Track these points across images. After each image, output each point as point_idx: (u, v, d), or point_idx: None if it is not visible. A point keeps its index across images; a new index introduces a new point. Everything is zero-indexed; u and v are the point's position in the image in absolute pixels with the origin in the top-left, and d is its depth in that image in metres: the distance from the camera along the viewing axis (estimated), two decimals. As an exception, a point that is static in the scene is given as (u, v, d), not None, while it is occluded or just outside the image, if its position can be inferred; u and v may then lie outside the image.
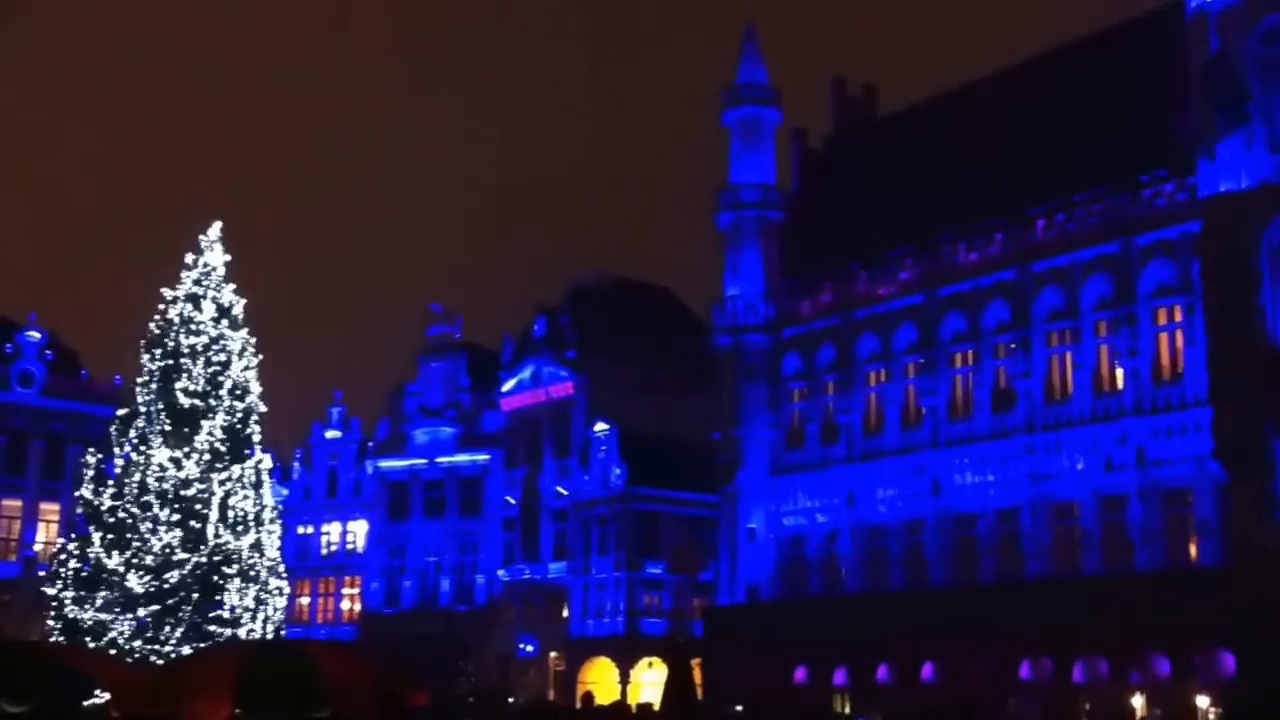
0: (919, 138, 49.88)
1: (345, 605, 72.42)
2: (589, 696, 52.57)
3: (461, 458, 69.55)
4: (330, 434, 74.63)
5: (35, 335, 66.16)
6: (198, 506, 35.33)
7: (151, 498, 35.17)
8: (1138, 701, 37.49)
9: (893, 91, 56.16)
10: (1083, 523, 40.32)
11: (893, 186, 48.88)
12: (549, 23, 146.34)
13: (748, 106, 52.81)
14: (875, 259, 47.37)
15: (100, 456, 36.27)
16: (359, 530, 73.00)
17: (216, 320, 37.02)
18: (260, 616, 35.80)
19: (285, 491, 66.51)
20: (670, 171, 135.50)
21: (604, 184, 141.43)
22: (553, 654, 62.06)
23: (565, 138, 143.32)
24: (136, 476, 35.40)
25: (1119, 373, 39.98)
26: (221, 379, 36.53)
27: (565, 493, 62.88)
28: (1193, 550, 37.96)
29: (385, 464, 71.45)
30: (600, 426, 61.20)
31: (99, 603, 34.37)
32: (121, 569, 34.51)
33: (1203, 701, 36.31)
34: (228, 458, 36.10)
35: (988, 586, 42.14)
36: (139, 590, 34.28)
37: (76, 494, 36.74)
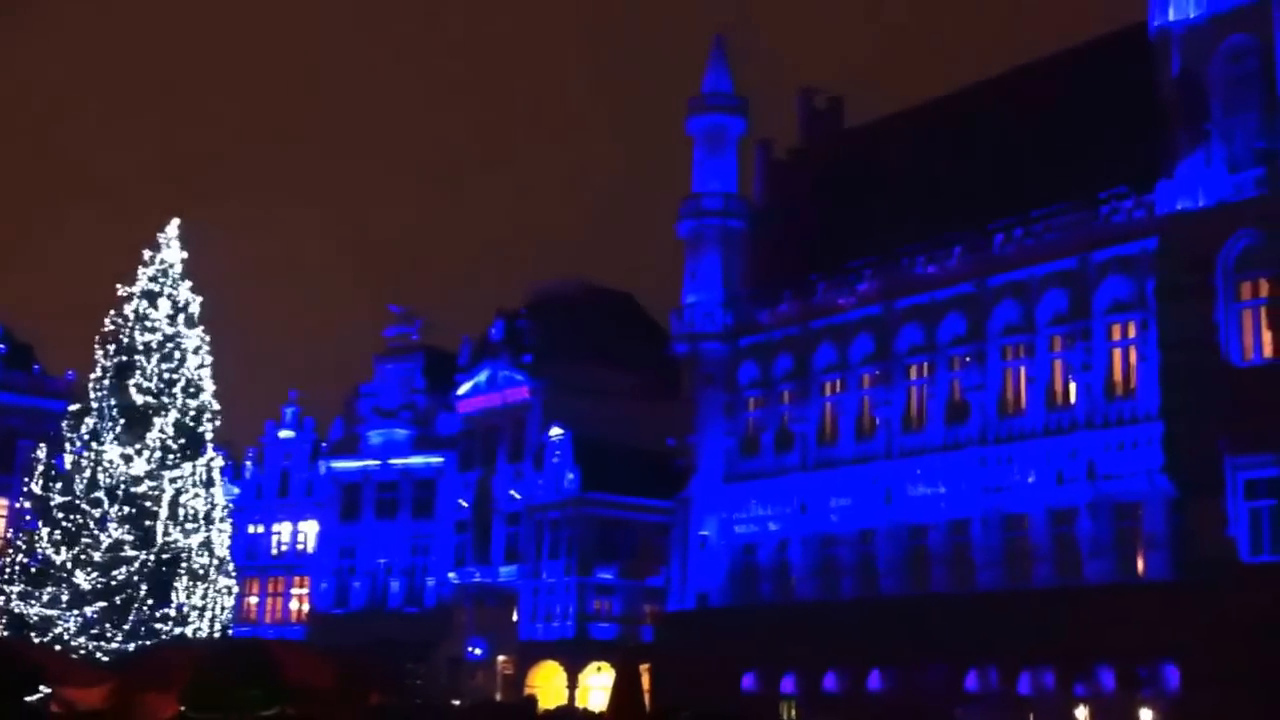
0: (883, 151, 50.14)
1: (294, 605, 72.05)
2: (532, 700, 52.67)
3: (415, 459, 69.33)
4: (284, 433, 74.23)
5: (-12, 329, 65.42)
6: (148, 504, 35.06)
7: (102, 494, 34.85)
8: (1082, 713, 37.77)
9: (860, 105, 56.23)
10: (1033, 535, 40.59)
11: (855, 199, 49.11)
12: (520, 27, 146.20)
13: (712, 115, 52.92)
14: (835, 270, 47.56)
15: (51, 452, 35.90)
16: (310, 530, 72.66)
17: (172, 318, 36.77)
18: (208, 615, 35.53)
19: (237, 490, 66.05)
20: (637, 179, 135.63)
21: (570, 190, 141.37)
22: (502, 657, 61.95)
23: (532, 143, 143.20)
24: (87, 472, 35.06)
25: (1072, 387, 40.30)
26: (175, 376, 36.27)
27: (519, 496, 62.80)
28: (1141, 564, 38.28)
29: (338, 464, 71.12)
30: (555, 431, 61.13)
31: (45, 598, 33.98)
32: (69, 565, 34.15)
33: (1147, 715, 36.62)
34: (179, 455, 35.83)
35: (938, 596, 42.36)
36: (86, 587, 33.93)
37: (26, 489, 36.32)
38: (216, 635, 35.46)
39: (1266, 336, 35.10)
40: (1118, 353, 39.51)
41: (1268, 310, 35.08)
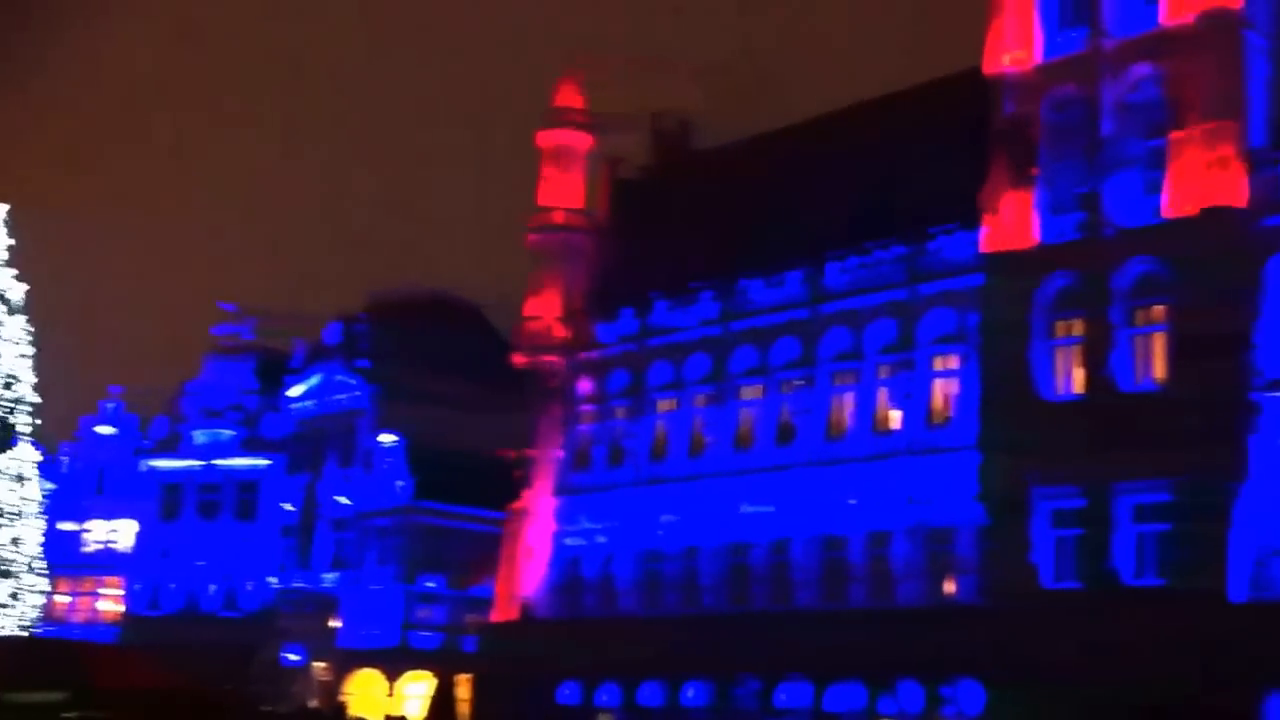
0: (728, 176, 51.21)
1: (105, 606, 70.06)
2: (341, 706, 52.03)
3: (240, 461, 68.12)
4: (103, 429, 72.33)
5: None
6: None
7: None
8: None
9: (709, 130, 57.11)
10: (851, 556, 41.77)
11: (698, 221, 50.00)
12: (375, 32, 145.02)
13: (562, 130, 53.38)
14: (675, 290, 48.36)
15: None
16: (127, 530, 70.79)
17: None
18: (15, 613, 34.48)
19: (51, 485, 64.07)
20: (488, 191, 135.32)
21: (421, 199, 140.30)
22: (320, 664, 61.11)
23: (385, 150, 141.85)
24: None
25: (896, 415, 41.64)
26: (-10, 367, 35.18)
27: (347, 502, 62.18)
28: (952, 587, 39.66)
29: (159, 463, 69.52)
30: (388, 437, 60.74)
31: None
32: None
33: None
34: (-10, 449, 34.70)
35: (757, 613, 43.26)
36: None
37: None
38: (21, 634, 34.46)
39: (1077, 374, 36.73)
40: (940, 383, 40.97)
41: (1080, 349, 36.74)
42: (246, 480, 68.10)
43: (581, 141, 53.77)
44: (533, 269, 53.19)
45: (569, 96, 54.00)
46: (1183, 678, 31.16)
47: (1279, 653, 30.78)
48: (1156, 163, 35.89)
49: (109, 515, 71.26)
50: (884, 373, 42.19)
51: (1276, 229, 34.13)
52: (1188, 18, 35.48)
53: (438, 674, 52.25)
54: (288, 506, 65.54)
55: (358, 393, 64.15)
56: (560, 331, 51.88)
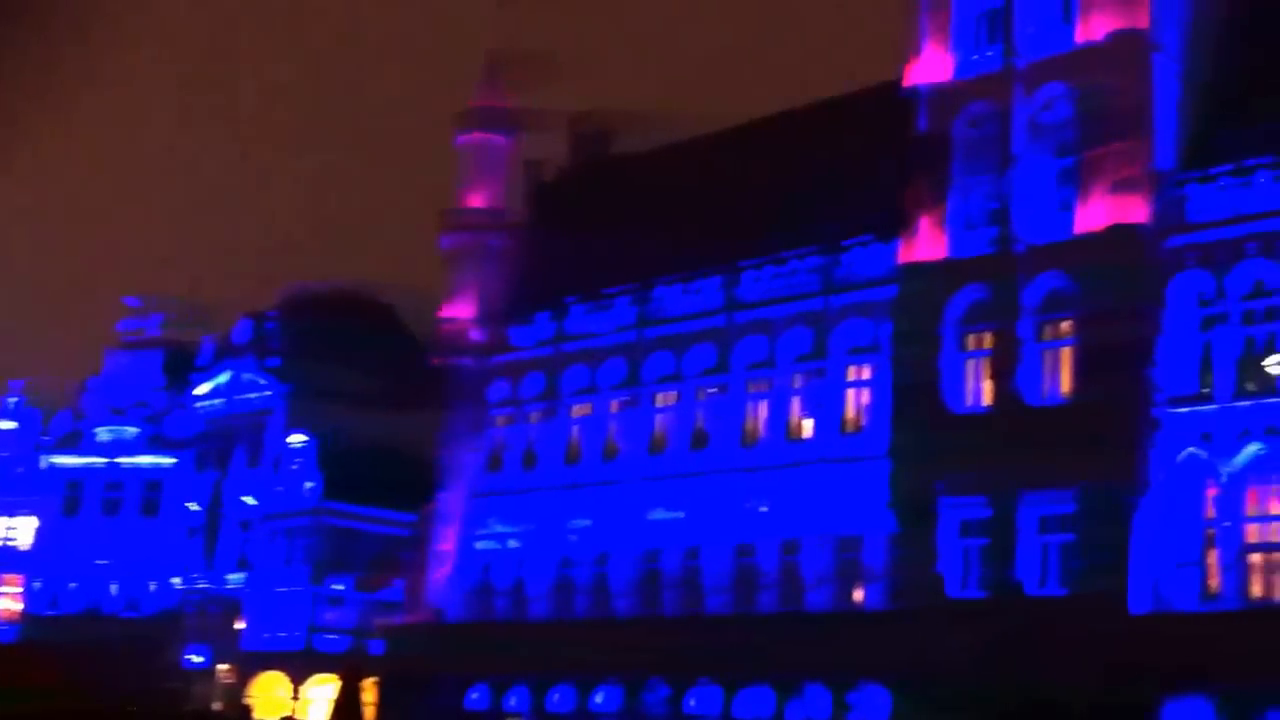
0: (648, 182, 51.39)
1: (3, 604, 68.56)
2: (246, 710, 51.27)
3: (145, 459, 67.02)
4: (3, 424, 70.84)
5: None
6: None
7: None
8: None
9: (629, 135, 57.18)
10: (762, 563, 42.08)
11: (617, 226, 50.04)
12: (295, 25, 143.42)
13: (482, 131, 53.18)
14: (591, 295, 48.40)
15: None
16: (26, 527, 69.31)
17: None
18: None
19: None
20: (406, 190, 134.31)
21: (338, 196, 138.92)
22: (224, 666, 60.29)
23: (303, 145, 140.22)
24: None
25: (808, 423, 42.05)
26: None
27: (254, 502, 61.42)
28: (860, 594, 40.13)
29: (60, 460, 68.17)
30: (298, 437, 60.08)
31: None
32: None
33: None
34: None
35: (668, 618, 43.42)
36: None
37: None
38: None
39: (986, 386, 37.40)
40: (852, 393, 41.45)
41: (990, 361, 37.39)
42: (151, 479, 67.03)
43: (500, 143, 53.59)
44: (449, 270, 52.88)
45: (489, 97, 53.84)
46: (1082, 684, 31.81)
47: (1177, 661, 31.57)
48: (1067, 180, 36.71)
49: (8, 512, 69.75)
50: (798, 381, 42.57)
51: (1180, 249, 35.05)
52: (1099, 40, 36.33)
53: (343, 677, 51.73)
54: (193, 506, 64.60)
55: (268, 392, 63.41)
56: (476, 334, 51.66)
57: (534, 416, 49.81)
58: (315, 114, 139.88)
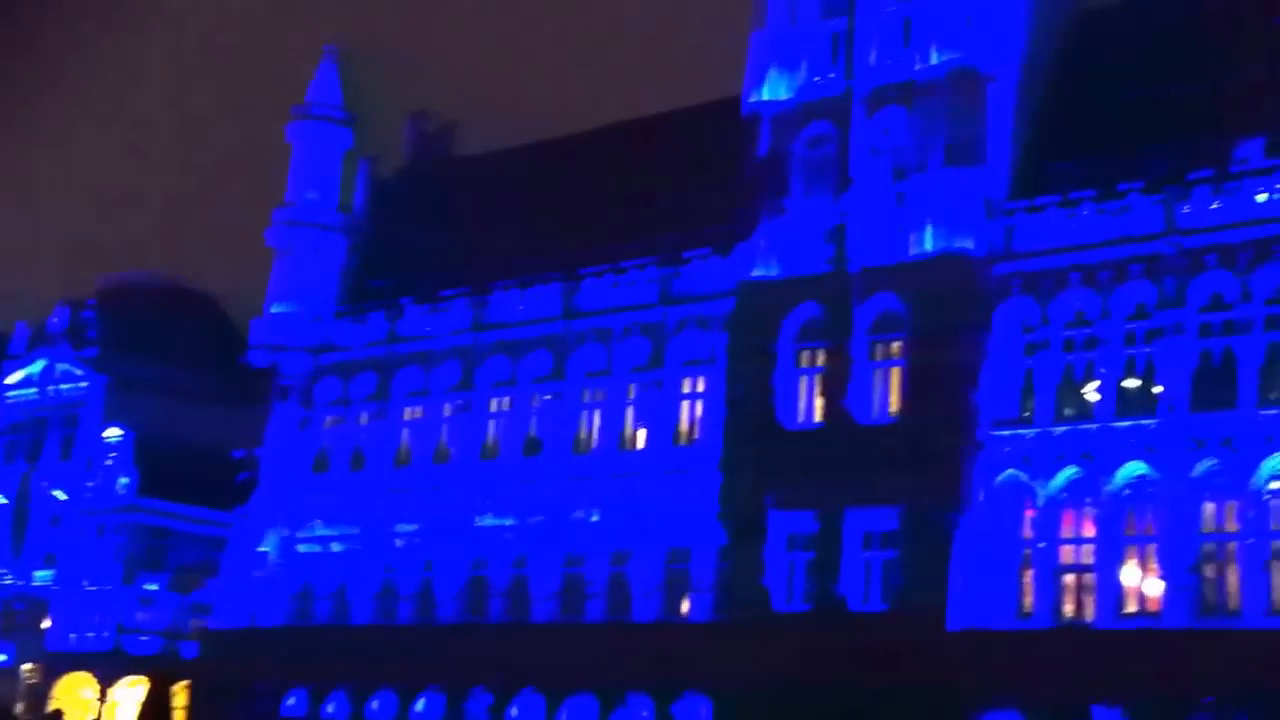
0: (489, 184, 50.91)
1: None
2: (57, 714, 49.29)
3: (-53, 449, 63.96)
4: None
5: None
6: None
7: None
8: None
9: (472, 135, 56.69)
10: (590, 572, 41.98)
11: (456, 227, 49.47)
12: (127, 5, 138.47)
13: (315, 124, 51.97)
14: (427, 296, 47.74)
15: None
16: None
17: None
18: None
19: None
20: (236, 180, 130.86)
21: (163, 182, 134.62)
22: (29, 665, 57.89)
23: (128, 130, 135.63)
24: None
25: (642, 433, 42.12)
26: None
27: (64, 497, 59.13)
28: (687, 606, 40.32)
29: None
30: (113, 431, 58.05)
31: None
32: None
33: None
34: None
35: (493, 626, 43.04)
36: None
37: None
38: None
39: (817, 403, 37.96)
40: (687, 405, 41.64)
41: (821, 379, 37.96)
42: (-46, 470, 63.97)
43: (335, 136, 52.47)
44: (275, 264, 51.50)
45: (324, 89, 52.73)
46: (900, 698, 32.47)
47: (991, 677, 32.48)
48: (902, 204, 37.49)
49: None
50: (633, 391, 42.60)
51: (1007, 276, 36.10)
52: (936, 68, 37.23)
53: (153, 680, 50.06)
54: (0, 499, 61.88)
55: (83, 383, 61.16)
56: (305, 330, 50.42)
57: (363, 418, 48.85)
58: (145, 95, 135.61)
